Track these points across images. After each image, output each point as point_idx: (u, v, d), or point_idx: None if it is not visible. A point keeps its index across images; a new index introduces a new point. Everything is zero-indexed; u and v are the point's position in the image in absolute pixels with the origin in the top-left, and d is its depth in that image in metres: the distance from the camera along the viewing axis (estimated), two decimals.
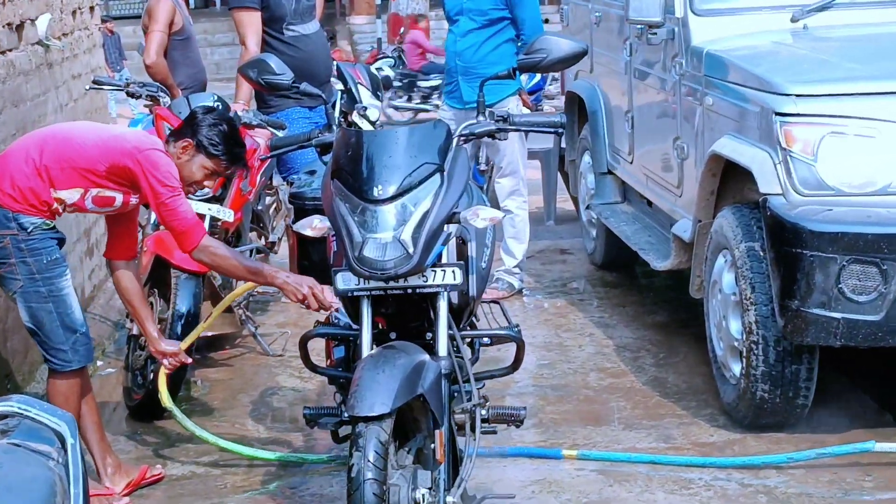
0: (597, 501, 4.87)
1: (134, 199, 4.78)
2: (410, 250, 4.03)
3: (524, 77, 8.37)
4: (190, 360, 5.30)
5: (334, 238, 4.33)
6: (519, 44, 7.43)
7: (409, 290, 4.14)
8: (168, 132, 5.01)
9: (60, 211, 4.71)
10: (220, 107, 6.48)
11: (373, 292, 4.14)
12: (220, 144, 4.74)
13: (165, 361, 5.14)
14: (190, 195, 5.82)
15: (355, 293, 4.17)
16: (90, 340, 4.92)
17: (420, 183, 4.16)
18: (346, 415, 4.04)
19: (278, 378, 6.51)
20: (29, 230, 4.63)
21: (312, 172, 6.66)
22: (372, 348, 4.12)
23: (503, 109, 5.11)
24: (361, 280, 4.12)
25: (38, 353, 5.60)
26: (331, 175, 4.36)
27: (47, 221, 4.69)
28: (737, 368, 5.41)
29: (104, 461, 5.04)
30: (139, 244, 5.92)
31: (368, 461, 3.64)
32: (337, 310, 5.16)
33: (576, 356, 6.73)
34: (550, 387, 6.18)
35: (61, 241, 4.83)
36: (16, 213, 4.63)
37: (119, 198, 4.71)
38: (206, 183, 5.00)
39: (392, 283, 4.10)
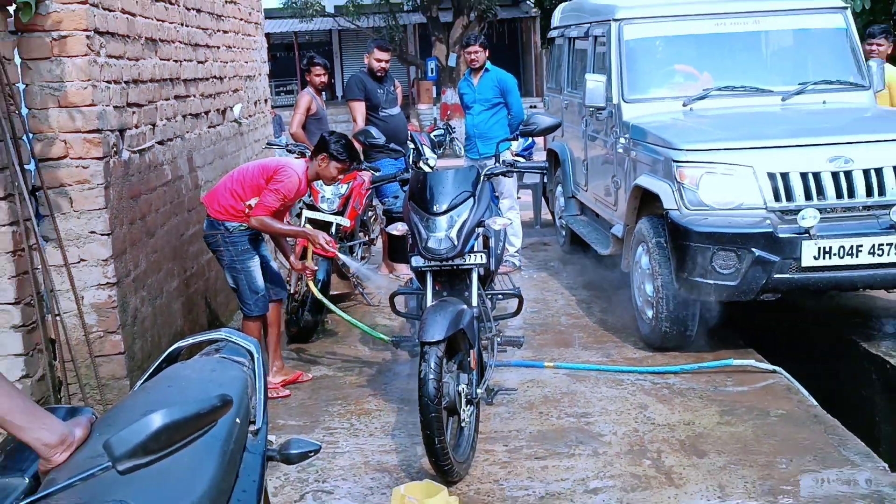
0: (566, 392, 5.06)
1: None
2: (456, 243, 4.21)
3: (521, 140, 8.31)
4: (315, 268, 5.70)
5: (410, 236, 4.44)
6: (509, 117, 7.76)
7: (455, 266, 4.33)
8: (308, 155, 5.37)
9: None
10: None
11: (433, 268, 4.35)
12: (343, 152, 5.02)
13: (306, 272, 5.60)
14: (321, 209, 6.27)
15: (423, 268, 4.38)
16: (266, 300, 5.19)
17: (461, 203, 4.33)
18: (417, 339, 4.09)
19: (376, 319, 6.61)
20: (231, 230, 5.05)
21: (397, 197, 6.89)
22: (432, 301, 4.28)
23: (509, 157, 5.24)
24: (426, 261, 4.31)
25: (235, 304, 5.88)
26: (408, 198, 4.56)
27: (242, 224, 5.05)
28: (650, 313, 5.57)
29: (273, 363, 5.31)
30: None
31: (430, 368, 3.74)
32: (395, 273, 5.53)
33: (552, 306, 6.89)
34: (538, 324, 6.39)
35: (252, 239, 5.14)
36: (223, 221, 5.05)
37: None
38: (340, 177, 5.24)
39: (445, 263, 4.30)
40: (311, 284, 5.69)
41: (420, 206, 4.35)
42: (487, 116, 7.77)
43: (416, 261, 4.35)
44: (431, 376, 3.72)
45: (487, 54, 7.82)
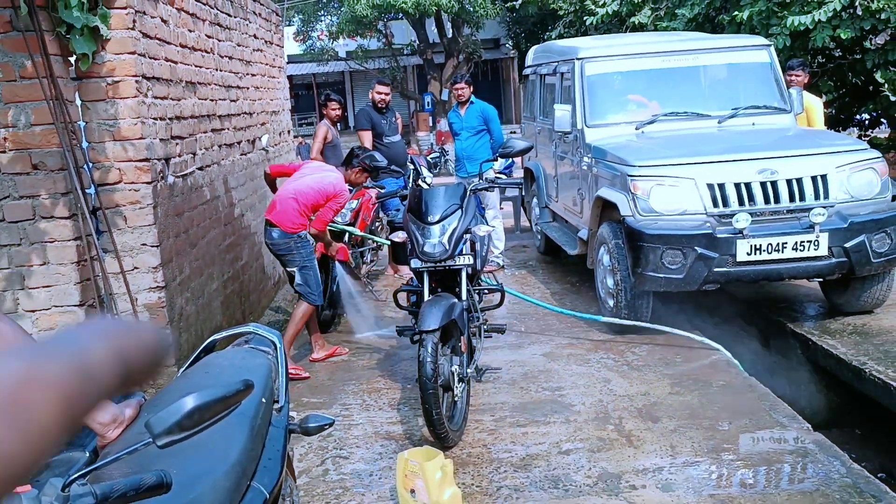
0: (542, 370, 5.07)
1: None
2: (447, 247, 4.20)
3: (501, 161, 8.54)
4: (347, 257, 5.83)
5: (409, 242, 4.41)
6: (491, 141, 7.84)
7: (447, 267, 4.30)
8: (347, 170, 5.44)
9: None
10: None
11: (428, 268, 4.32)
12: (370, 165, 5.39)
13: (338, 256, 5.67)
14: (338, 222, 6.18)
15: (420, 269, 4.35)
16: (322, 292, 5.32)
17: (451, 214, 4.30)
18: (416, 329, 4.05)
19: (383, 311, 6.59)
20: (303, 237, 5.13)
21: (398, 210, 6.85)
22: (428, 296, 4.27)
23: (491, 175, 5.19)
24: (423, 262, 4.29)
25: (265, 302, 6.07)
26: (406, 210, 4.53)
27: (305, 233, 5.16)
28: (611, 302, 5.61)
29: (315, 341, 5.54)
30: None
31: (428, 352, 3.75)
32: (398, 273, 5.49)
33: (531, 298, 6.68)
34: (518, 313, 6.37)
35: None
36: (294, 233, 5.09)
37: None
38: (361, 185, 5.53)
39: (438, 265, 4.28)
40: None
41: (417, 217, 4.33)
42: (473, 142, 7.84)
43: (415, 263, 4.33)
44: (429, 359, 3.73)
45: (472, 90, 7.90)
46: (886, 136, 10.23)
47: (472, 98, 7.92)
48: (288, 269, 5.25)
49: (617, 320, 5.47)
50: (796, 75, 7.09)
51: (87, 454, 1.88)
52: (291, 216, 5.09)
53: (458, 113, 8.00)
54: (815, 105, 7.13)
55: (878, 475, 3.61)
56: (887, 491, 3.34)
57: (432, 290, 4.32)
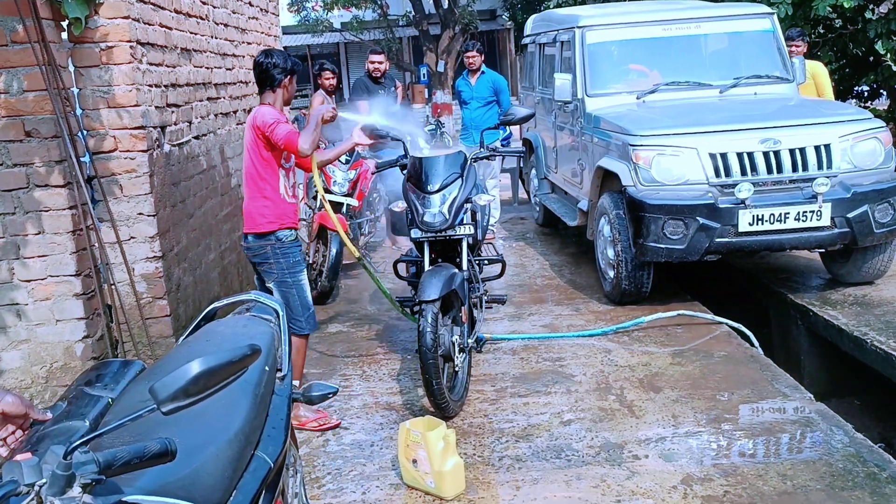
0: (543, 341, 5.04)
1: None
2: (447, 217, 4.13)
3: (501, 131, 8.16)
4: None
5: (408, 212, 4.33)
6: (500, 112, 7.68)
7: (447, 237, 4.24)
8: (264, 94, 3.89)
9: (290, 194, 3.92)
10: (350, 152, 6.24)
11: (428, 238, 4.25)
12: (287, 61, 3.85)
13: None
14: (333, 191, 5.99)
15: (420, 239, 4.28)
16: (315, 317, 4.01)
17: (451, 183, 4.22)
18: (417, 299, 4.01)
19: (381, 283, 6.46)
20: (282, 240, 3.84)
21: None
22: (428, 267, 4.21)
23: (493, 145, 4.99)
24: (423, 232, 4.22)
25: None
26: (406, 179, 4.43)
27: (293, 233, 3.90)
28: (611, 274, 5.57)
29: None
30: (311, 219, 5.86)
31: (428, 322, 3.72)
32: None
33: (530, 270, 6.82)
34: (517, 285, 6.33)
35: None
36: (273, 231, 3.83)
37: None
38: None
39: (438, 234, 4.21)
40: (345, 239, 4.61)
41: (416, 186, 4.25)
42: (483, 112, 7.74)
43: (415, 233, 4.26)
44: (429, 329, 3.69)
45: (483, 59, 7.79)
46: (885, 107, 10.17)
47: (484, 67, 7.79)
48: (266, 285, 3.92)
49: (627, 325, 5.18)
50: (796, 45, 6.99)
51: (88, 423, 1.85)
52: (253, 209, 3.85)
53: (468, 82, 7.87)
54: (822, 72, 7.06)
55: (878, 444, 3.60)
56: (891, 460, 3.35)
57: (432, 261, 4.26)
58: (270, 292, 3.81)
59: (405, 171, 4.53)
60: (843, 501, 3.03)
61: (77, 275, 4.13)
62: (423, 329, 3.70)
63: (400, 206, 4.46)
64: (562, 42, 6.90)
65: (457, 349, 3.94)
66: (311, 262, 5.90)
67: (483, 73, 7.80)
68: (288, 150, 3.75)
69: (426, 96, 23.87)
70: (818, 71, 6.97)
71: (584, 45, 6.32)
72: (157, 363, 2.20)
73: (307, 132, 3.75)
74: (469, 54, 7.81)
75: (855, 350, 4.70)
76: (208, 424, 1.78)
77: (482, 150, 4.78)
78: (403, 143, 4.96)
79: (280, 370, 2.26)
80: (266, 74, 3.84)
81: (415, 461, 3.26)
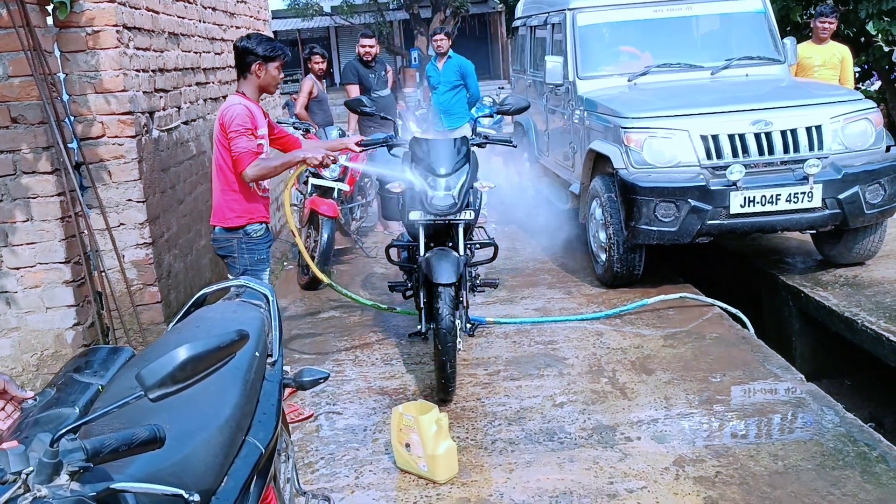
0: (534, 324, 5.05)
1: (262, 141, 3.67)
2: (456, 201, 4.07)
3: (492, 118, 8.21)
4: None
5: (403, 195, 4.24)
6: (468, 96, 7.85)
7: (448, 221, 4.13)
8: (239, 81, 3.75)
9: (261, 188, 3.76)
10: (340, 134, 6.40)
11: (430, 222, 4.14)
12: (268, 43, 3.66)
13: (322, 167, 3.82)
14: (324, 176, 5.88)
15: (424, 222, 4.15)
16: None
17: (460, 168, 4.18)
18: (409, 284, 4.14)
19: (374, 268, 6.59)
20: (250, 234, 3.73)
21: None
22: (424, 251, 4.11)
23: (484, 132, 5.01)
24: (430, 215, 4.09)
25: None
26: (410, 160, 4.30)
27: (262, 227, 3.76)
28: (603, 257, 5.58)
29: None
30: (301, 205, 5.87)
31: (446, 304, 3.72)
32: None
33: (522, 253, 6.83)
34: (510, 269, 6.31)
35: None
36: (242, 226, 3.71)
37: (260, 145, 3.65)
38: (282, 77, 3.75)
39: (443, 218, 4.10)
40: (312, 265, 4.57)
41: (426, 167, 4.15)
42: (451, 96, 7.78)
43: (417, 215, 4.12)
44: (447, 312, 3.65)
45: (450, 43, 7.90)
46: (876, 89, 10.16)
47: (451, 52, 7.86)
48: (229, 276, 3.83)
49: (630, 307, 5.12)
50: (829, 22, 6.69)
51: (77, 410, 1.82)
52: (221, 202, 3.69)
53: (435, 67, 7.92)
54: (849, 57, 6.96)
55: (868, 424, 3.64)
56: (881, 439, 3.36)
57: (427, 246, 4.20)
58: None
59: (393, 153, 4.47)
60: (833, 480, 3.05)
61: (66, 262, 4.11)
62: (442, 312, 3.65)
63: (398, 186, 4.36)
64: (553, 24, 6.87)
65: (458, 332, 3.92)
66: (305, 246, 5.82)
67: (450, 57, 7.81)
68: (235, 164, 3.59)
69: (417, 80, 23.78)
70: (847, 56, 6.87)
71: (575, 27, 6.30)
72: (147, 350, 2.17)
73: (265, 163, 3.60)
74: (436, 37, 7.82)
75: (846, 331, 4.71)
76: (199, 411, 1.76)
77: (475, 136, 4.72)
78: (394, 123, 4.94)
79: (270, 356, 2.24)
80: (238, 59, 3.69)
81: (408, 445, 3.26)
